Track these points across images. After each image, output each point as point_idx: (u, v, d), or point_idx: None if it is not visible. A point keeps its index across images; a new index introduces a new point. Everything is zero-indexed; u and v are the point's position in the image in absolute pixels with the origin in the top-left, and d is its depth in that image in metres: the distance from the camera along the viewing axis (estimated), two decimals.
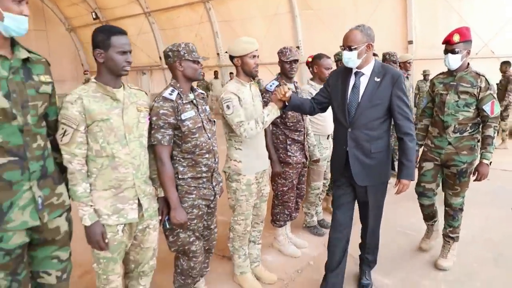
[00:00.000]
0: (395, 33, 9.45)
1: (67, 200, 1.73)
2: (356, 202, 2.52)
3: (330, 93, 2.43)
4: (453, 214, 2.88)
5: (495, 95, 2.69)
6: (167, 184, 2.01)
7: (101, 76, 1.78)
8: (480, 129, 2.79)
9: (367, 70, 2.28)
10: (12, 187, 1.49)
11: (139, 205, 1.86)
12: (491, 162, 2.71)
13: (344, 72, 2.36)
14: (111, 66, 1.75)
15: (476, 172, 2.73)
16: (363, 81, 2.28)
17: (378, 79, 2.24)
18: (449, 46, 2.71)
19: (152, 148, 2.01)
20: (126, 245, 1.88)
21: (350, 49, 2.21)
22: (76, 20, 17.28)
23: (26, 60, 1.56)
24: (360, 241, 2.68)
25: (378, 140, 2.29)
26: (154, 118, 1.98)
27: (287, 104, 2.40)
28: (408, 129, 2.27)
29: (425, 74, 8.05)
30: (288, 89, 2.36)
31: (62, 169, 1.75)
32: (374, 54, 2.46)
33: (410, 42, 9.33)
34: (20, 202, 1.51)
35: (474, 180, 2.77)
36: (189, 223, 2.12)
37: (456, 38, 2.68)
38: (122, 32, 1.76)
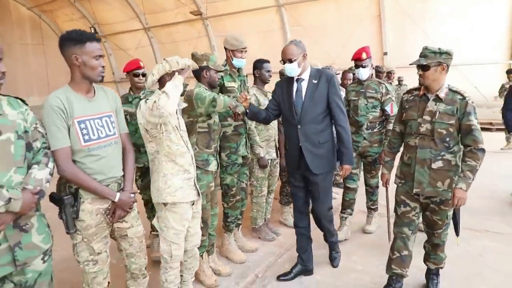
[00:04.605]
0: (373, 46, 10.65)
1: None
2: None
3: (278, 101, 2.79)
4: (372, 191, 3.71)
5: (393, 99, 3.36)
6: (281, 144, 3.62)
7: (257, 84, 3.39)
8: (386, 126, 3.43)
9: (306, 76, 2.65)
10: (240, 136, 3.01)
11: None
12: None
13: (287, 81, 2.75)
14: (263, 79, 3.36)
15: (379, 157, 3.45)
16: (304, 85, 2.65)
17: (316, 81, 2.62)
18: (359, 62, 3.28)
19: None
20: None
21: (291, 61, 2.54)
22: None
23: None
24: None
25: (323, 132, 2.65)
26: None
27: (247, 111, 2.67)
28: (342, 122, 2.63)
29: (400, 80, 9.70)
30: (249, 98, 2.69)
31: None
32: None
33: (385, 54, 11.17)
34: (242, 142, 3.04)
35: (378, 162, 3.48)
36: None
37: (364, 55, 3.25)
38: (268, 62, 3.36)
